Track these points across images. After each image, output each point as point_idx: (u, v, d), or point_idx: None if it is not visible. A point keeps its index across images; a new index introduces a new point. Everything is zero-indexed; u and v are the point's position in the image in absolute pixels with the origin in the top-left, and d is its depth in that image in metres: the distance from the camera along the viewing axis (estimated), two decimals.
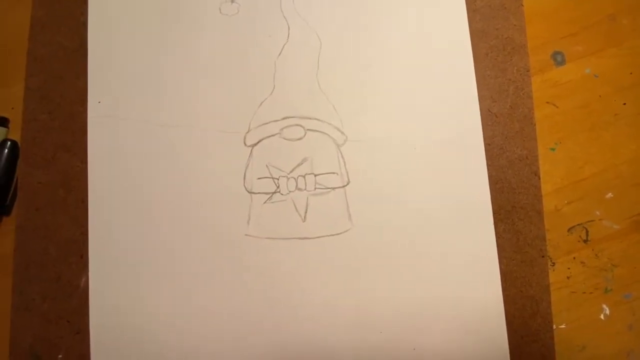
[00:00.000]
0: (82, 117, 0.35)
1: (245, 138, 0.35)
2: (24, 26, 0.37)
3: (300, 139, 0.35)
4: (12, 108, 0.37)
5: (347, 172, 0.35)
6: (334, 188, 0.35)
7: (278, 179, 0.35)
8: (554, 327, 0.35)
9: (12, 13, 0.38)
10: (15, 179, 0.36)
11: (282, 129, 0.35)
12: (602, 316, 0.36)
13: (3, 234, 0.36)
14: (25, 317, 0.34)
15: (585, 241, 0.36)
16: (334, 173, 0.35)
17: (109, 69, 0.36)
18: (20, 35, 0.37)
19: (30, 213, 0.35)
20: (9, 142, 0.36)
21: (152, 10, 0.37)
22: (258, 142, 0.35)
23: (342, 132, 0.35)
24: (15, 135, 0.36)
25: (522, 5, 0.38)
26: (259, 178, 0.35)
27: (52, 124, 0.36)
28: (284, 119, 0.35)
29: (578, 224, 0.37)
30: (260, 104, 0.35)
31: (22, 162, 0.35)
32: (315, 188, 0.35)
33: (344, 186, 0.35)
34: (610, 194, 0.37)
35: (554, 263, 0.36)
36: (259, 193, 0.34)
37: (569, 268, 0.36)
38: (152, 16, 0.36)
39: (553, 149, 0.37)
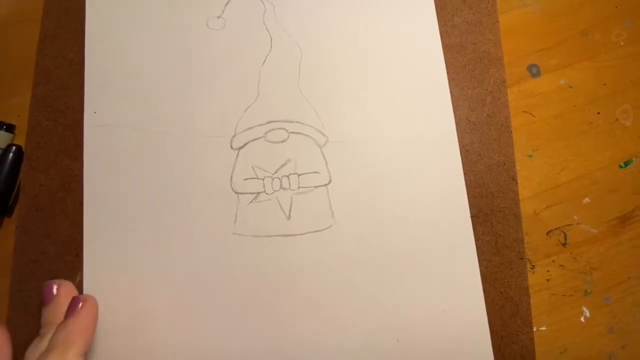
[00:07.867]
0: (82, 124, 0.38)
1: (231, 142, 0.37)
2: (33, 39, 0.39)
3: (283, 141, 0.37)
4: (19, 115, 0.39)
5: (328, 171, 0.37)
6: (316, 186, 0.37)
7: (263, 180, 0.36)
8: (535, 329, 0.35)
9: (22, 27, 0.41)
10: (18, 182, 0.38)
11: (266, 132, 0.37)
12: (582, 319, 0.36)
13: (4, 235, 0.38)
14: (22, 316, 0.35)
15: (564, 245, 0.37)
16: (316, 172, 0.37)
17: (103, 81, 0.38)
18: (29, 48, 0.40)
19: (31, 214, 0.37)
20: (14, 147, 0.38)
21: (144, 26, 0.39)
22: (244, 145, 0.37)
23: (323, 134, 0.37)
24: (20, 141, 0.39)
25: (498, 21, 0.40)
26: (245, 179, 0.36)
27: (55, 130, 0.38)
28: (268, 122, 0.37)
29: (556, 228, 0.37)
30: (246, 110, 0.37)
31: (25, 165, 0.38)
32: (299, 187, 0.36)
33: (326, 184, 0.37)
34: (587, 199, 0.38)
35: (533, 266, 0.37)
36: (245, 193, 0.36)
37: (548, 271, 0.37)
38: (144, 32, 0.39)
39: (531, 156, 0.38)
